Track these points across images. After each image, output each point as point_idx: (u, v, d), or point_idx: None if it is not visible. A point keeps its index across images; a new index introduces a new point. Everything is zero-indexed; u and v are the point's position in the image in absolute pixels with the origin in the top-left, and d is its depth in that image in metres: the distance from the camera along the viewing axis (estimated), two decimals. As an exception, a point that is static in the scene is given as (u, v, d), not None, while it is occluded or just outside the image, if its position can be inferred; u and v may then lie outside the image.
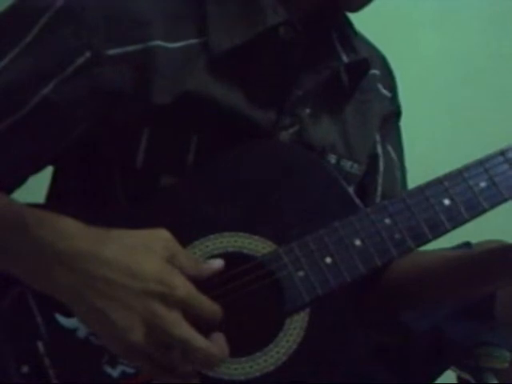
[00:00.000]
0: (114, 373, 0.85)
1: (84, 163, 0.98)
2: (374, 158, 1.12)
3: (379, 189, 1.12)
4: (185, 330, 0.77)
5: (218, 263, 0.86)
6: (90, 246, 0.79)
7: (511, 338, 1.13)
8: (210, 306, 0.81)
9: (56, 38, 0.89)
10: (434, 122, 2.31)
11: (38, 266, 0.80)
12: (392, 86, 1.16)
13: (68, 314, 0.85)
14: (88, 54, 0.89)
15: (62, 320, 0.86)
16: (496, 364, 1.10)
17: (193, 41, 0.94)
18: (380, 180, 1.12)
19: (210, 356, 0.78)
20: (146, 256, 0.79)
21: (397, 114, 1.18)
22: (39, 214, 0.82)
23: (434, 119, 2.30)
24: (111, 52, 0.90)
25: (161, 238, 0.81)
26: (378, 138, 1.13)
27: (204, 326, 0.80)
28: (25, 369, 0.83)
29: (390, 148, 1.15)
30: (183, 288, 0.79)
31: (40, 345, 0.85)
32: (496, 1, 2.39)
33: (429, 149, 2.27)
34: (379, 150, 1.13)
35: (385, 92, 1.14)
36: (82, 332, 0.85)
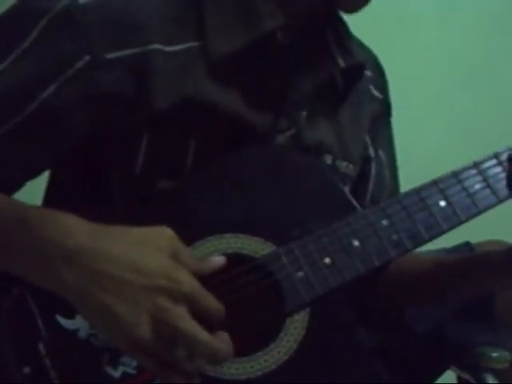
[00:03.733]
0: (115, 373, 0.85)
1: (81, 167, 0.98)
2: (366, 160, 1.13)
3: (369, 193, 1.13)
4: (190, 325, 0.77)
5: (220, 260, 0.86)
6: (94, 243, 0.79)
7: (511, 338, 1.13)
8: (215, 303, 0.81)
9: (55, 42, 0.89)
10: (432, 123, 2.31)
11: (42, 263, 0.80)
12: (383, 87, 1.17)
13: (69, 316, 0.86)
14: (87, 58, 0.89)
15: (63, 321, 0.86)
16: (496, 364, 1.10)
17: (192, 44, 0.94)
18: (371, 185, 1.13)
19: (215, 351, 0.79)
20: (150, 252, 0.79)
21: (387, 114, 1.18)
22: (42, 212, 0.83)
23: (432, 120, 2.30)
24: (110, 56, 0.90)
25: (164, 234, 0.81)
26: (367, 139, 1.13)
27: (209, 324, 0.80)
28: (26, 370, 0.84)
29: (380, 152, 1.15)
30: (189, 283, 0.79)
31: (41, 346, 0.85)
32: (496, 1, 2.40)
33: (427, 149, 2.27)
34: (371, 152, 1.14)
35: (376, 93, 1.15)
36: (83, 333, 0.86)
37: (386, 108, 1.17)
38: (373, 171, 1.14)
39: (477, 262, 1.05)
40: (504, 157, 0.99)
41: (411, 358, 1.14)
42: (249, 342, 0.87)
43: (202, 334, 0.78)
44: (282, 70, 0.98)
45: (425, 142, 2.27)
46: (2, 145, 0.89)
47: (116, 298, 0.77)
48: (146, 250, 0.79)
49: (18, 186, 0.94)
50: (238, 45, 0.94)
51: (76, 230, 0.80)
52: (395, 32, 2.29)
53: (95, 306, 0.78)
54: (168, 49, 0.93)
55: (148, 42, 0.91)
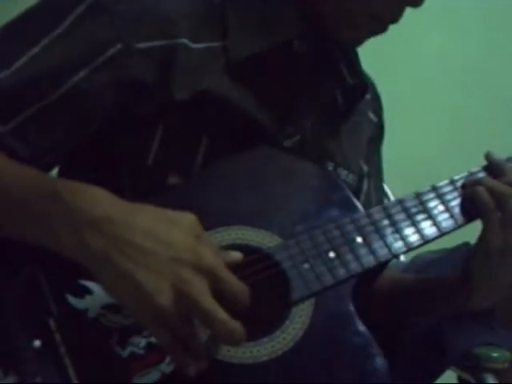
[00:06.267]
0: (124, 353, 0.86)
1: (93, 158, 1.00)
2: (360, 176, 1.16)
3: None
4: (209, 300, 0.78)
5: (238, 255, 0.86)
6: (122, 214, 0.80)
7: (511, 338, 1.14)
8: (237, 282, 0.81)
9: (89, 29, 0.93)
10: (433, 123, 2.31)
11: (68, 231, 0.81)
12: (378, 111, 1.21)
13: (78, 295, 0.87)
14: (119, 46, 0.93)
15: (73, 301, 0.87)
16: (496, 364, 1.11)
17: (214, 44, 0.99)
18: (361, 200, 1.16)
19: (231, 331, 0.79)
20: (175, 228, 0.80)
21: (380, 138, 1.23)
22: (71, 183, 0.84)
23: (433, 120, 2.31)
24: (140, 45, 0.94)
25: (188, 217, 0.83)
26: (362, 159, 1.17)
27: (229, 304, 0.81)
28: (37, 343, 0.85)
29: (371, 176, 1.19)
30: (212, 259, 0.80)
31: (51, 322, 0.86)
32: (496, 1, 2.42)
33: (427, 149, 2.28)
34: (365, 170, 1.18)
35: (372, 117, 1.19)
36: (92, 313, 0.87)
37: (379, 132, 1.22)
38: (365, 187, 1.17)
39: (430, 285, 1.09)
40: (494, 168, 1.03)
41: (411, 358, 1.16)
42: (255, 328, 0.88)
43: (219, 312, 0.78)
44: (294, 77, 1.03)
45: (425, 142, 2.27)
46: (31, 125, 0.91)
47: (139, 266, 0.77)
48: (171, 227, 0.80)
49: (45, 169, 0.95)
50: (257, 49, 0.98)
51: (105, 200, 0.82)
52: (395, 32, 2.31)
53: (118, 274, 0.78)
54: (193, 45, 0.97)
55: (176, 36, 0.96)
